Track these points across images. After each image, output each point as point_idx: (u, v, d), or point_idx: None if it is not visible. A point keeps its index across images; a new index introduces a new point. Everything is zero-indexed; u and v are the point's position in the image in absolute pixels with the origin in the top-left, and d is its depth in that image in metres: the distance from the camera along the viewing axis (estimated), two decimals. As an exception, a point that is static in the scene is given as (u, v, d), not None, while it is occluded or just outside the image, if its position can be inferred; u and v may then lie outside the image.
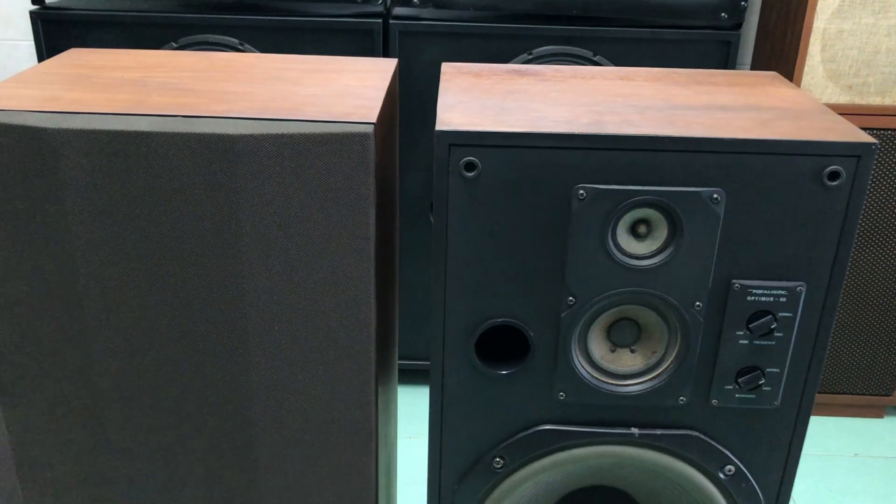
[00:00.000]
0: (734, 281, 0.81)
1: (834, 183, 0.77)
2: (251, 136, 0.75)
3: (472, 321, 0.84)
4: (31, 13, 1.74)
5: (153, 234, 0.79)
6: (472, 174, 0.78)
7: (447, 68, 0.99)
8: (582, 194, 0.78)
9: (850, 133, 0.77)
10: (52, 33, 1.78)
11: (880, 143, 1.71)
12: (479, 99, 0.86)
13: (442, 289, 0.82)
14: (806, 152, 0.76)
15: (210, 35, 1.75)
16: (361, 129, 0.76)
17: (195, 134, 0.75)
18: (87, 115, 0.78)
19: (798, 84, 1.72)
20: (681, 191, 0.78)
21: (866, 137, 0.76)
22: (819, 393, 1.94)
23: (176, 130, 0.75)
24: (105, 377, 0.85)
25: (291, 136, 0.76)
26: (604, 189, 0.78)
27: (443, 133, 0.77)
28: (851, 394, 1.95)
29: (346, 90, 0.88)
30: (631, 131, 0.77)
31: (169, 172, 0.77)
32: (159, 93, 0.85)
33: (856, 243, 1.79)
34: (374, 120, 0.78)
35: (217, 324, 0.82)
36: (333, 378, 0.85)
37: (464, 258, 0.81)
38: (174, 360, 0.84)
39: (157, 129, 0.76)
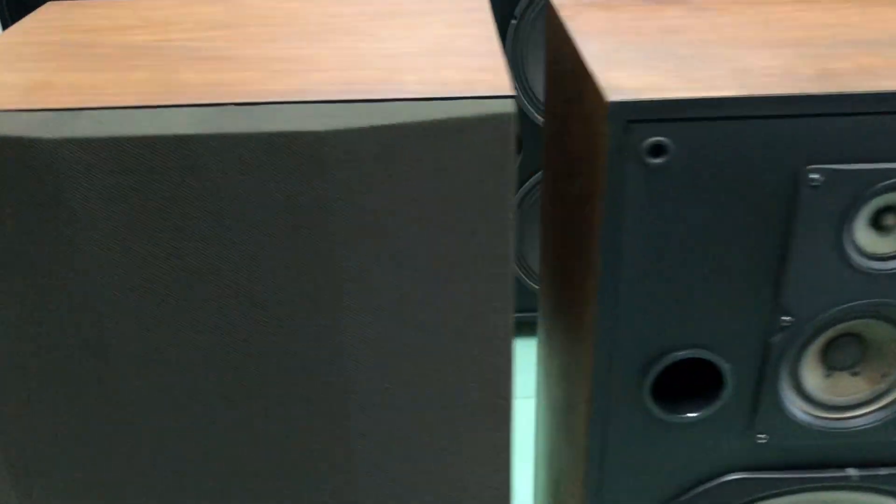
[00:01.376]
0: None
1: None
2: (347, 130, 0.51)
3: (649, 355, 0.62)
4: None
5: (205, 275, 0.55)
6: (659, 160, 0.54)
7: (556, 0, 0.74)
8: (816, 179, 0.55)
9: None
10: None
11: None
12: (639, 45, 0.62)
13: (610, 314, 0.60)
14: None
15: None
16: (500, 106, 0.52)
17: (260, 134, 0.51)
18: (92, 111, 0.53)
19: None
20: (956, 165, 0.54)
21: None
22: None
23: (230, 130, 0.51)
24: (152, 450, 0.62)
25: (404, 127, 0.51)
26: (847, 170, 0.55)
27: (619, 105, 0.53)
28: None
29: (444, 45, 0.63)
30: (886, 85, 0.53)
31: (223, 192, 0.52)
32: (187, 66, 0.60)
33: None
34: (511, 91, 0.54)
35: (307, 386, 0.59)
36: (459, 444, 0.63)
37: (643, 273, 0.58)
38: (250, 431, 0.61)
39: (200, 130, 0.51)
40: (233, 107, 0.53)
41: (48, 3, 0.76)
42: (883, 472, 0.67)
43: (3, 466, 0.62)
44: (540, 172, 1.57)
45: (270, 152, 0.51)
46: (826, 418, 0.65)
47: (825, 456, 0.68)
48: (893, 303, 0.59)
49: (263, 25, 0.68)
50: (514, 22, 1.42)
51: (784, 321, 0.60)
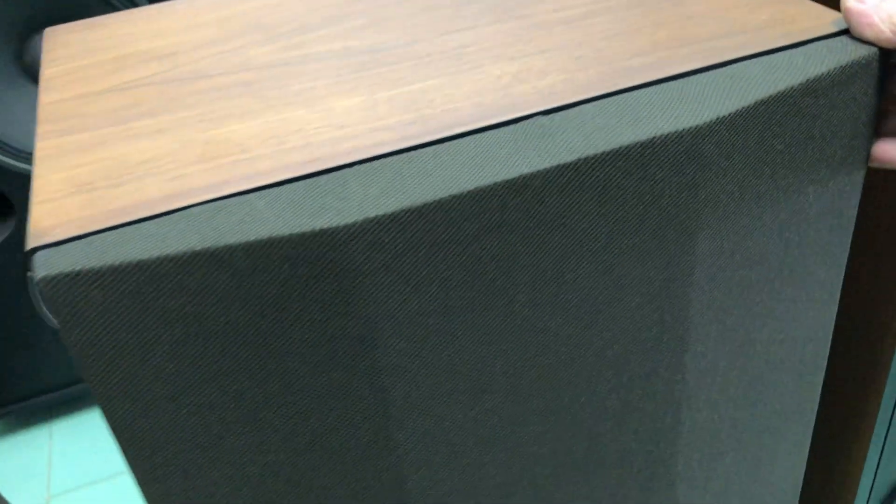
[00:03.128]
0: None
1: None
2: (731, 116, 0.37)
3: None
4: None
5: (537, 335, 0.41)
6: None
7: None
8: None
9: None
10: None
11: None
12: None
13: None
14: None
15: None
16: (856, 49, 0.41)
17: (625, 148, 0.36)
18: (361, 165, 0.36)
19: None
20: None
21: None
22: None
23: (592, 152, 0.36)
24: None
25: (788, 94, 0.39)
26: None
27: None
28: None
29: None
30: None
31: (567, 232, 0.38)
32: (381, 75, 0.43)
33: None
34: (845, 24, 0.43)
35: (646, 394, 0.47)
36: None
37: None
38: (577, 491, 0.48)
39: (544, 164, 0.36)
40: (539, 118, 0.38)
41: (50, 31, 0.54)
42: None
43: None
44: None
45: (637, 166, 0.37)
46: None
47: None
48: None
49: (391, 4, 0.52)
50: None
51: None
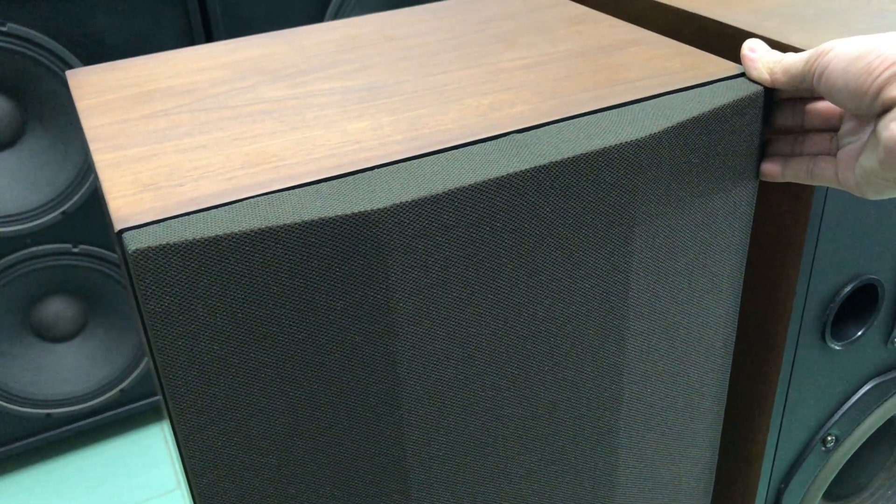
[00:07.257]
0: None
1: None
2: (661, 133, 0.49)
3: (837, 284, 0.67)
4: None
5: (519, 312, 0.51)
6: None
7: None
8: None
9: None
10: None
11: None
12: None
13: (813, 245, 0.64)
14: None
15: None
16: (748, 87, 0.54)
17: (583, 155, 0.47)
18: (399, 165, 0.46)
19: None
20: None
21: None
22: None
23: (554, 158, 0.47)
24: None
25: (698, 119, 0.51)
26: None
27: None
28: None
29: (604, 42, 0.62)
30: None
31: (544, 227, 0.48)
32: (394, 105, 0.53)
33: None
34: (738, 69, 0.56)
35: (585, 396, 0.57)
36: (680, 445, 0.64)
37: (844, 206, 0.63)
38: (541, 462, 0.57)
39: (520, 167, 0.46)
40: (515, 135, 0.49)
41: (71, 73, 0.62)
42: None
43: None
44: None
45: (592, 170, 0.48)
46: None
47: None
48: None
49: (375, 55, 0.62)
50: None
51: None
